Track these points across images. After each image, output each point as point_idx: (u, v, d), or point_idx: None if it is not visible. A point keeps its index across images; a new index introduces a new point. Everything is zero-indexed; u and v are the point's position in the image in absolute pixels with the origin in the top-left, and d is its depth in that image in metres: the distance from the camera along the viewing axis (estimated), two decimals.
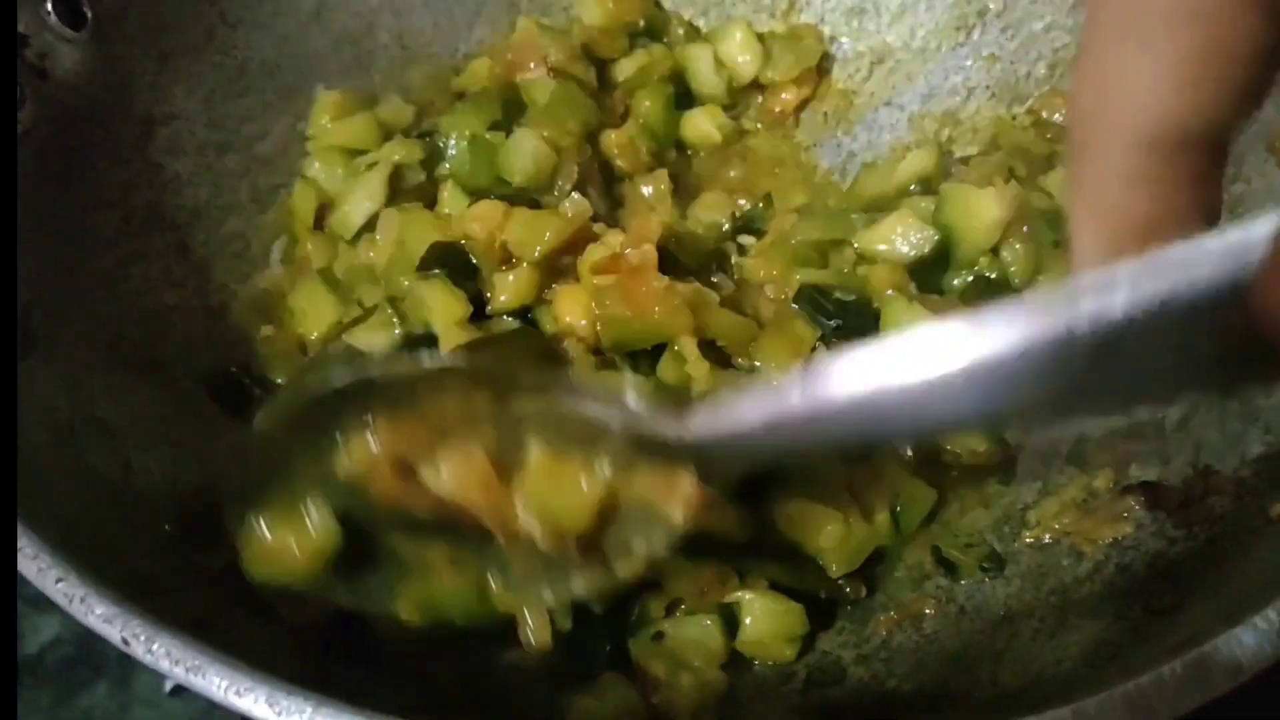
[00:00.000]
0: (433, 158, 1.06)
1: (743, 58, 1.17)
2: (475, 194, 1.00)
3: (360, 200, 1.01)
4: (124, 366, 0.91)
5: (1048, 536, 0.87)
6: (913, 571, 0.88)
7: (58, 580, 0.61)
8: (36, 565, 0.62)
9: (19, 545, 0.63)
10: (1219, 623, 0.61)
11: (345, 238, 1.02)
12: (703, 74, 1.16)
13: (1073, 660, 0.74)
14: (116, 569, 0.66)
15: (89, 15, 0.97)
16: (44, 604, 1.06)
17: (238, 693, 0.57)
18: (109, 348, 0.91)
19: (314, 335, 0.98)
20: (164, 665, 0.59)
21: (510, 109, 1.08)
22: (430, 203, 1.01)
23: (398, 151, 1.05)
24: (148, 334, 0.95)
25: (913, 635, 0.84)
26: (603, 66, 1.16)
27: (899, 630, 0.84)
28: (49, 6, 0.94)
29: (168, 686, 1.03)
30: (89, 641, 1.06)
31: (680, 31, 1.20)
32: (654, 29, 1.19)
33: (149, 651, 0.59)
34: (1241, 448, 0.84)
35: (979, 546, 0.87)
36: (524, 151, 1.00)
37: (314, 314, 0.98)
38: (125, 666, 1.05)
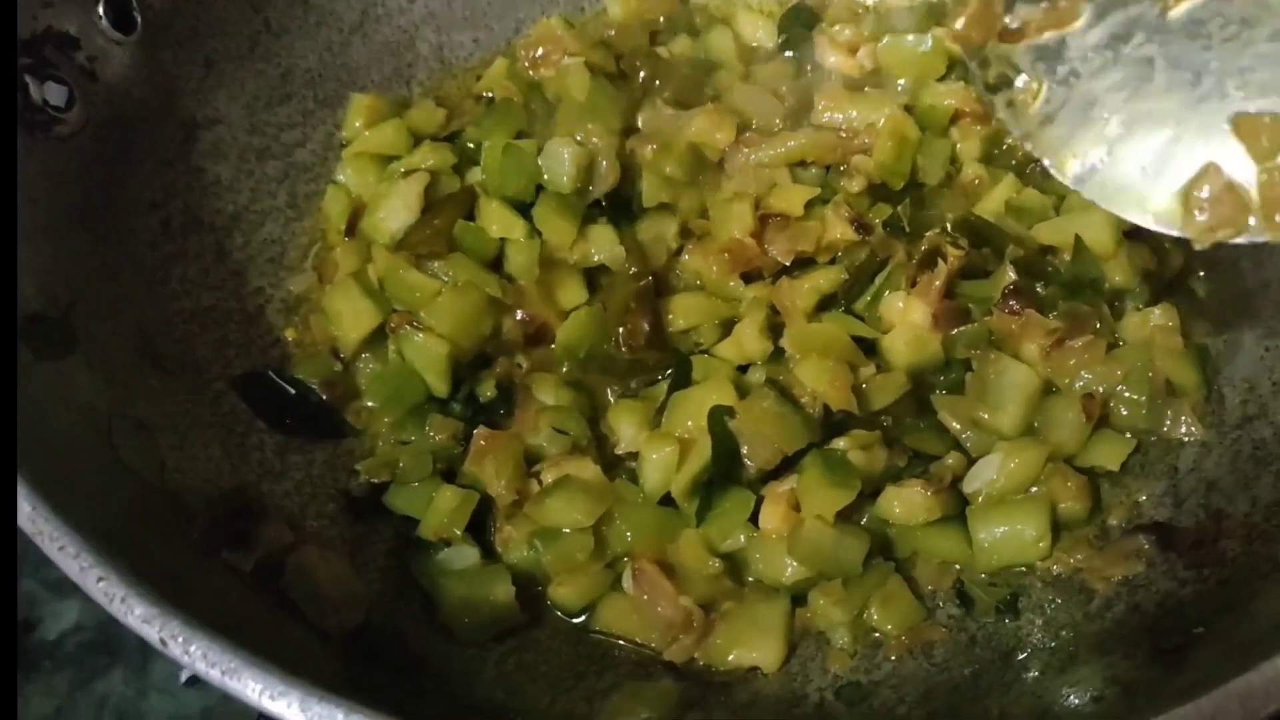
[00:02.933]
0: (463, 162, 1.09)
1: (760, 32, 1.20)
2: (513, 204, 1.02)
3: (397, 209, 1.03)
4: (160, 367, 0.93)
5: (1057, 568, 0.88)
6: (927, 600, 0.89)
7: (99, 580, 0.63)
8: (78, 564, 0.64)
9: (60, 543, 0.65)
10: (1229, 666, 0.62)
11: (379, 242, 1.03)
12: (724, 56, 1.18)
13: (1081, 697, 0.75)
14: (151, 568, 0.67)
15: (139, 20, 0.99)
16: (65, 590, 1.10)
17: (271, 696, 0.59)
18: (147, 348, 0.93)
19: (353, 337, 0.99)
20: (200, 667, 0.60)
21: (533, 110, 1.10)
22: (466, 212, 1.04)
23: (430, 158, 1.07)
24: (185, 335, 0.97)
25: (923, 663, 0.85)
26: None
27: (909, 657, 0.86)
28: (100, 10, 0.97)
29: (184, 676, 1.05)
30: (108, 629, 1.08)
31: (699, 22, 1.22)
32: (674, 24, 1.21)
33: (186, 653, 0.61)
34: (1253, 492, 0.86)
35: (1000, 587, 0.89)
36: (563, 158, 1.02)
37: (351, 318, 0.99)
38: (143, 655, 1.08)
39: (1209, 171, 0.76)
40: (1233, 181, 0.76)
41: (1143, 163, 0.80)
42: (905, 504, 0.89)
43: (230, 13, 1.07)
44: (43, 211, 0.89)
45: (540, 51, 1.12)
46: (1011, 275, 0.96)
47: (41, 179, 0.89)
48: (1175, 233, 0.79)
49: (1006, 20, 0.85)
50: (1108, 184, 0.81)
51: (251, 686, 0.60)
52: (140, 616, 0.62)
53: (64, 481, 0.70)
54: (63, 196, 0.91)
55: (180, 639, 0.61)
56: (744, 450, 0.90)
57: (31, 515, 0.65)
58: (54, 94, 0.93)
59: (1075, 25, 0.83)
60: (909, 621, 0.87)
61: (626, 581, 0.89)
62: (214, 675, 0.60)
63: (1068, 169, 0.82)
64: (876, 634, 0.87)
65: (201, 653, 0.61)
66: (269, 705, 0.59)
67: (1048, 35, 0.83)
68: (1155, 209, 0.79)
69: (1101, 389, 0.93)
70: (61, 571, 1.07)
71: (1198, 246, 0.78)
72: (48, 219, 0.89)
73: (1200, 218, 0.76)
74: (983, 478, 0.90)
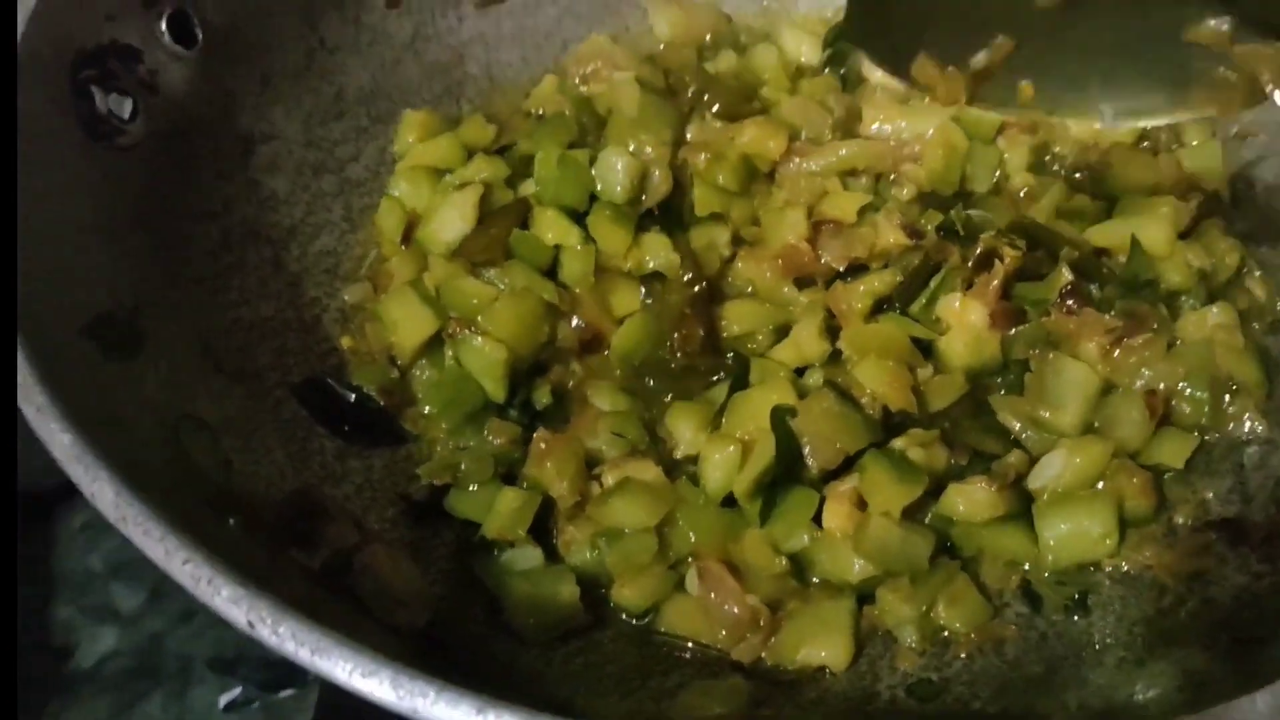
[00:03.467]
0: (515, 175, 1.10)
1: (805, 48, 1.21)
2: (568, 212, 1.03)
3: (453, 219, 1.04)
4: (221, 371, 0.94)
5: (1126, 565, 0.88)
6: (994, 599, 0.88)
7: (185, 561, 0.63)
8: (163, 547, 0.64)
9: (143, 527, 0.65)
10: None
11: (435, 252, 1.04)
12: (770, 72, 1.19)
13: (1162, 687, 0.74)
14: (223, 560, 0.67)
15: (199, 35, 1.01)
16: (104, 616, 1.09)
17: (363, 674, 0.59)
18: (209, 353, 0.94)
19: (410, 344, 1.00)
20: (289, 647, 0.60)
21: (584, 124, 1.12)
22: (520, 222, 1.04)
23: (484, 170, 1.08)
24: (244, 342, 0.98)
25: (995, 660, 0.84)
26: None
27: (980, 654, 0.85)
28: (163, 25, 0.98)
29: (222, 702, 1.04)
30: (147, 655, 1.07)
31: (744, 40, 1.24)
32: (720, 41, 1.23)
33: (275, 633, 0.60)
34: None
35: (1068, 586, 0.88)
36: (617, 168, 1.03)
37: (408, 324, 1.00)
38: (182, 680, 1.06)
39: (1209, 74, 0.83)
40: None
41: (1146, 85, 0.87)
42: (969, 501, 0.88)
43: (287, 30, 1.08)
44: (106, 216, 0.89)
45: (591, 67, 1.14)
46: (1068, 275, 0.96)
47: (105, 186, 0.90)
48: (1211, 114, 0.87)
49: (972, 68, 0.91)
50: (1132, 112, 0.88)
51: (342, 665, 0.59)
52: (228, 597, 0.62)
53: (140, 474, 0.70)
54: (125, 203, 0.92)
55: (269, 619, 0.61)
56: (805, 450, 0.90)
57: (115, 500, 0.65)
58: (117, 105, 0.94)
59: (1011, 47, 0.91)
60: (977, 620, 0.86)
61: (690, 582, 0.88)
62: (303, 655, 0.60)
63: (1099, 119, 0.89)
64: (945, 633, 0.86)
65: (291, 632, 0.60)
66: (359, 684, 0.59)
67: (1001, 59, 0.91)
68: (1181, 110, 0.86)
69: (1163, 386, 0.93)
70: (98, 597, 1.09)
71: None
72: (110, 223, 0.90)
73: (1214, 106, 0.84)
74: (1047, 474, 0.89)
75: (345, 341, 1.03)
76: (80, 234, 0.86)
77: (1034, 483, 0.90)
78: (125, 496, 0.65)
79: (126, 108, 0.94)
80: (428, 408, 1.00)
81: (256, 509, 0.85)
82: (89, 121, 0.91)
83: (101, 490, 0.66)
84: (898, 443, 0.91)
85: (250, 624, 0.61)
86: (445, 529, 0.94)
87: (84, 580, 1.11)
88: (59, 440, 0.67)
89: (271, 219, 1.05)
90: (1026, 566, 0.90)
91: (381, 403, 1.00)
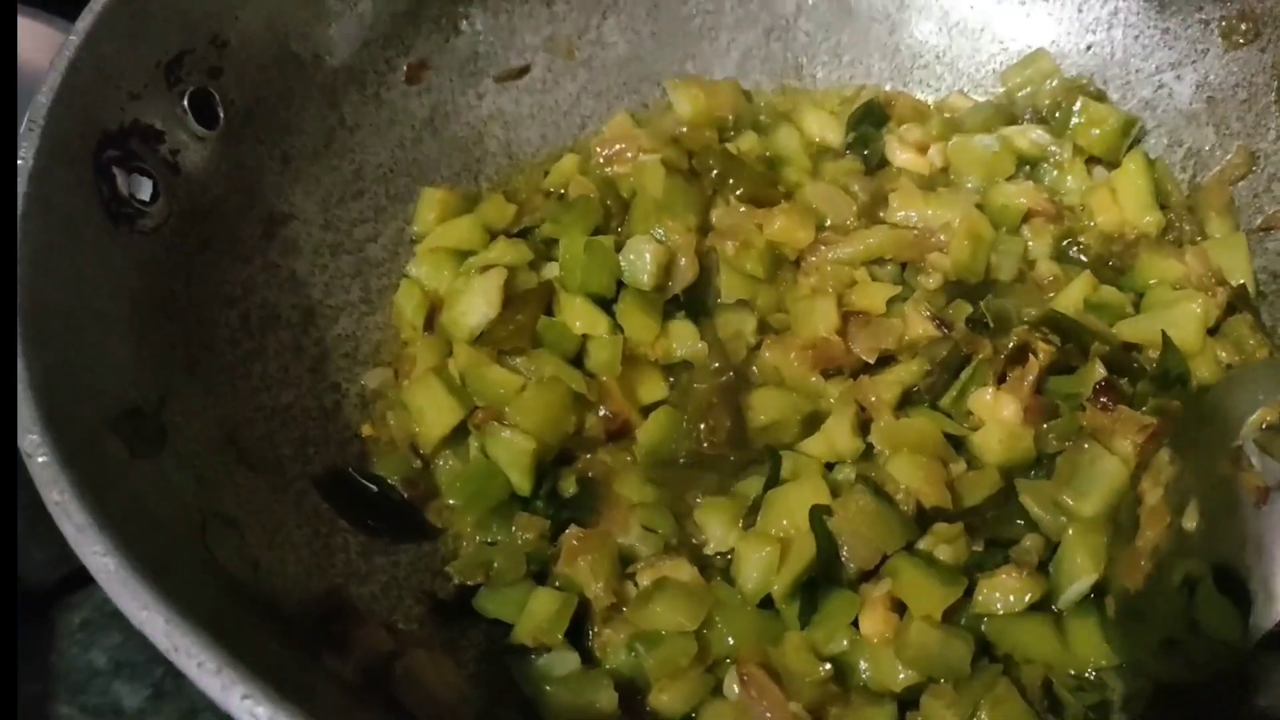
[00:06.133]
0: (538, 258, 1.08)
1: (828, 131, 1.21)
2: (595, 299, 1.02)
3: (478, 304, 1.02)
4: (245, 464, 0.91)
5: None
6: (1035, 704, 0.87)
7: (243, 697, 0.59)
8: (219, 681, 0.60)
9: (198, 660, 0.61)
10: None
11: (460, 338, 1.02)
12: (792, 153, 1.19)
13: None
14: (271, 677, 0.64)
15: (221, 115, 0.99)
16: (106, 714, 1.05)
17: None
18: (232, 445, 0.91)
19: (435, 434, 0.98)
20: None
21: (608, 207, 1.11)
22: (545, 307, 1.03)
23: (508, 254, 1.07)
24: (266, 432, 0.95)
25: None
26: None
27: None
28: (185, 104, 0.96)
29: None
30: None
31: (765, 120, 1.24)
32: (741, 121, 1.22)
33: None
34: None
35: (1090, 691, 0.87)
36: (645, 256, 1.02)
37: (433, 414, 0.98)
38: None
39: None
40: None
41: None
42: (1003, 590, 0.88)
43: (308, 110, 1.06)
44: (129, 304, 0.86)
45: (615, 148, 1.13)
46: (1102, 371, 0.96)
47: (127, 271, 0.87)
48: None
49: None
50: None
51: None
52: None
53: (181, 590, 0.67)
54: (147, 289, 0.89)
55: None
56: (843, 551, 0.89)
57: (165, 630, 0.62)
58: (138, 187, 0.91)
59: None
60: None
61: (729, 687, 0.86)
62: None
63: None
64: None
65: None
66: None
67: None
68: None
69: None
70: (100, 696, 1.05)
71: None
72: (133, 311, 0.86)
73: None
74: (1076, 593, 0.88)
75: (365, 429, 1.01)
76: (105, 323, 0.83)
77: (1064, 604, 0.89)
78: (176, 625, 0.62)
79: (147, 190, 0.92)
80: (452, 500, 0.97)
81: (284, 610, 0.82)
82: (111, 204, 0.88)
83: (151, 620, 0.62)
84: (923, 543, 0.91)
85: None
86: (473, 629, 0.92)
87: (85, 678, 1.07)
88: (103, 565, 0.64)
89: (290, 301, 1.03)
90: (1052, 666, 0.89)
91: (405, 494, 0.97)
